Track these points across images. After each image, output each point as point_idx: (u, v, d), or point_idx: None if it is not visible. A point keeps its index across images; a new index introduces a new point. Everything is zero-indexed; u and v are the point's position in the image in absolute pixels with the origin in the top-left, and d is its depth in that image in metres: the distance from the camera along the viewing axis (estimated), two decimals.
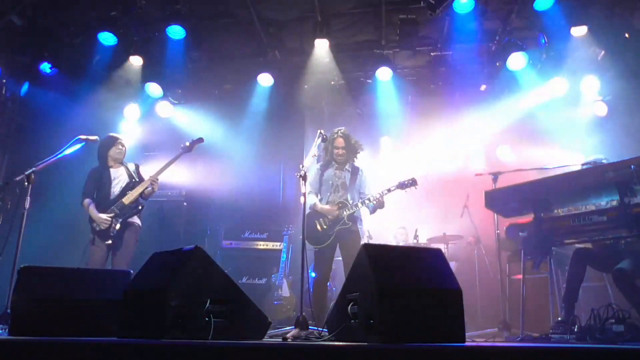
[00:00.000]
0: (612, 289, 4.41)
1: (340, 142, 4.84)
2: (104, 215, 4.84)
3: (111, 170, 5.11)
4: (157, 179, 5.09)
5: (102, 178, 5.04)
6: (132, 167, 5.24)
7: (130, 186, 5.05)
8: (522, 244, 3.97)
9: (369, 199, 4.74)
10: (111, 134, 5.23)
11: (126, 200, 4.95)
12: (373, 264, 2.44)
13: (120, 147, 5.18)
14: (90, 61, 6.36)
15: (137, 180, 5.14)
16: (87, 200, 4.94)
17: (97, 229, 4.84)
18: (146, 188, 5.03)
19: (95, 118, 7.02)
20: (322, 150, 4.83)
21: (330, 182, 4.82)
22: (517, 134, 7.21)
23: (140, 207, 5.04)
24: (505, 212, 4.26)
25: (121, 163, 5.20)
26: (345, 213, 4.69)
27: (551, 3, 5.34)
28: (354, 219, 4.75)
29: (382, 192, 4.75)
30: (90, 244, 4.82)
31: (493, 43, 6.24)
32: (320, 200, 4.82)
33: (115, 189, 5.02)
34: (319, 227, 4.70)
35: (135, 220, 5.02)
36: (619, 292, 3.86)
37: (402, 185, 4.87)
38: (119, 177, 5.10)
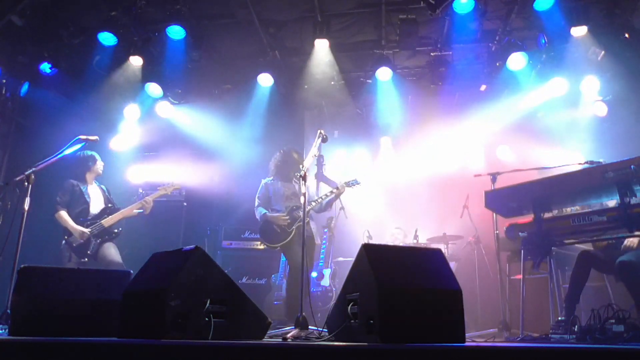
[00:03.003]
0: (612, 289, 4.41)
1: (296, 156, 5.35)
2: (81, 229, 4.85)
3: (88, 187, 5.16)
4: (151, 203, 5.24)
5: (80, 196, 5.06)
6: (105, 189, 5.32)
7: (108, 210, 5.11)
8: (522, 244, 3.96)
9: (321, 198, 5.23)
10: (87, 152, 5.23)
11: (106, 223, 4.98)
12: (373, 264, 2.44)
13: (101, 162, 5.27)
14: (90, 61, 6.35)
15: (113, 205, 5.21)
16: (63, 212, 4.93)
17: (75, 244, 4.83)
18: (132, 212, 5.14)
19: (95, 118, 7.03)
20: (277, 164, 5.36)
21: (281, 194, 5.20)
22: (517, 134, 7.21)
23: (118, 231, 5.09)
24: (505, 212, 4.26)
25: (95, 182, 5.26)
26: (298, 213, 5.00)
27: (551, 3, 5.34)
28: (309, 217, 5.16)
29: (332, 191, 5.25)
30: (67, 261, 4.80)
31: (493, 43, 6.23)
32: (273, 210, 5.14)
33: (93, 210, 5.06)
34: (277, 228, 5.00)
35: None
36: (619, 292, 3.86)
37: (348, 184, 5.38)
38: (96, 197, 5.15)
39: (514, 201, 3.98)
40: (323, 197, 5.23)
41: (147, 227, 6.48)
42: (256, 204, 5.25)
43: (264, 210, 5.11)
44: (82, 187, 5.11)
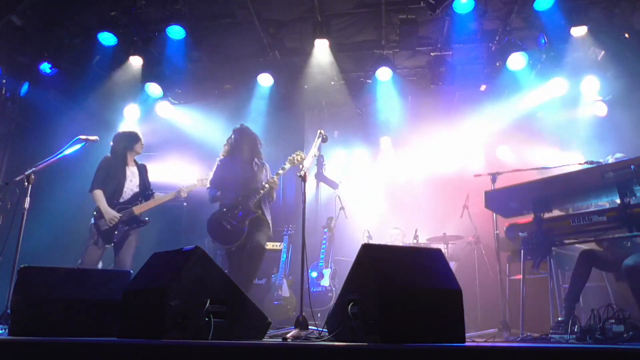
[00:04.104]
0: (612, 289, 4.41)
1: (253, 135, 5.06)
2: (114, 213, 4.68)
3: (128, 168, 4.93)
4: (187, 195, 5.03)
5: (116, 173, 4.85)
6: (143, 169, 5.08)
7: (141, 195, 4.90)
8: (522, 244, 3.96)
9: (267, 182, 4.78)
10: (128, 129, 5.11)
11: (137, 210, 4.81)
12: (373, 264, 2.44)
13: (142, 142, 5.07)
14: (90, 61, 6.37)
15: (150, 190, 4.99)
16: (99, 192, 4.73)
17: (103, 228, 4.66)
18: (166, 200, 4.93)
19: (95, 118, 7.03)
20: (233, 142, 4.99)
21: (236, 175, 4.84)
22: (517, 134, 7.22)
23: (147, 220, 4.89)
24: (505, 212, 4.26)
25: (135, 161, 5.06)
26: (250, 202, 4.68)
27: (551, 3, 5.34)
28: (262, 207, 4.81)
29: (278, 172, 4.84)
30: (93, 243, 4.64)
31: (493, 43, 6.24)
32: (224, 192, 4.81)
33: (127, 192, 4.85)
34: (228, 225, 4.67)
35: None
36: (619, 292, 3.85)
37: (292, 162, 4.86)
38: (133, 179, 4.93)
39: (514, 201, 3.98)
40: (274, 177, 4.83)
41: (147, 227, 6.47)
42: (208, 185, 4.93)
43: (218, 199, 4.80)
44: (120, 166, 4.88)
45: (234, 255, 4.75)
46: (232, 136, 5.07)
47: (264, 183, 4.82)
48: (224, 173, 4.91)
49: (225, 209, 4.76)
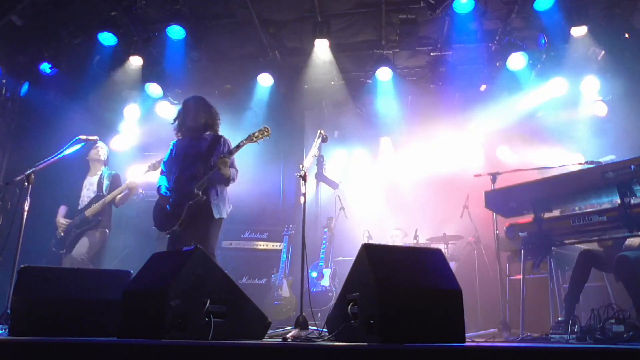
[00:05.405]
0: (612, 289, 4.41)
1: (189, 106, 4.38)
2: (62, 220, 5.04)
3: (87, 177, 5.27)
4: (135, 185, 5.23)
5: (77, 186, 5.22)
6: (108, 177, 5.31)
7: (95, 199, 5.16)
8: (522, 244, 3.96)
9: (216, 163, 4.07)
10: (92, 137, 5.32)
11: (88, 212, 5.06)
12: (373, 264, 2.44)
13: (98, 148, 5.31)
14: (90, 61, 6.36)
15: (104, 193, 5.21)
16: (61, 206, 5.20)
17: (58, 236, 5.05)
18: (118, 196, 5.14)
19: (95, 118, 7.02)
20: (179, 118, 4.39)
21: (182, 154, 4.25)
22: (517, 134, 7.22)
23: (100, 219, 5.11)
24: (505, 212, 4.26)
25: (100, 170, 5.30)
26: (194, 185, 4.05)
27: (551, 3, 5.34)
28: (207, 190, 4.14)
29: (232, 150, 4.24)
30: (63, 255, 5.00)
31: (493, 43, 6.24)
32: (171, 176, 4.22)
33: (84, 199, 5.16)
34: (166, 206, 4.11)
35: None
36: (619, 292, 3.86)
37: (250, 139, 4.31)
38: (90, 187, 5.23)
39: (514, 201, 3.98)
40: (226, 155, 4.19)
41: (147, 227, 6.47)
42: (159, 171, 4.44)
43: (161, 183, 4.19)
44: (80, 177, 5.27)
45: (172, 241, 4.12)
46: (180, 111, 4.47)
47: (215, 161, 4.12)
48: (172, 153, 4.35)
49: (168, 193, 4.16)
